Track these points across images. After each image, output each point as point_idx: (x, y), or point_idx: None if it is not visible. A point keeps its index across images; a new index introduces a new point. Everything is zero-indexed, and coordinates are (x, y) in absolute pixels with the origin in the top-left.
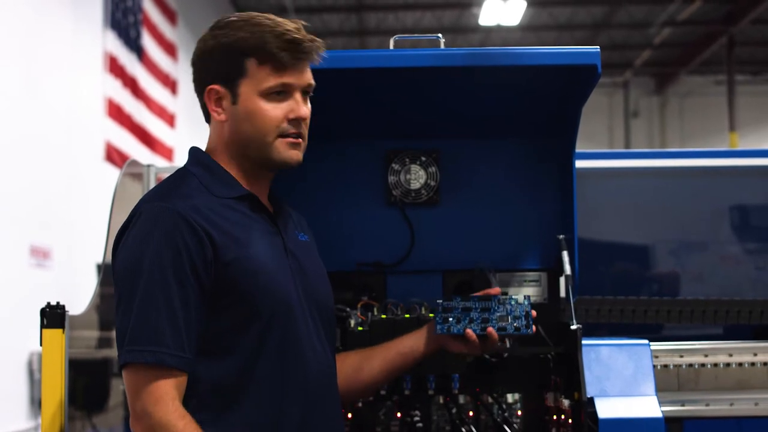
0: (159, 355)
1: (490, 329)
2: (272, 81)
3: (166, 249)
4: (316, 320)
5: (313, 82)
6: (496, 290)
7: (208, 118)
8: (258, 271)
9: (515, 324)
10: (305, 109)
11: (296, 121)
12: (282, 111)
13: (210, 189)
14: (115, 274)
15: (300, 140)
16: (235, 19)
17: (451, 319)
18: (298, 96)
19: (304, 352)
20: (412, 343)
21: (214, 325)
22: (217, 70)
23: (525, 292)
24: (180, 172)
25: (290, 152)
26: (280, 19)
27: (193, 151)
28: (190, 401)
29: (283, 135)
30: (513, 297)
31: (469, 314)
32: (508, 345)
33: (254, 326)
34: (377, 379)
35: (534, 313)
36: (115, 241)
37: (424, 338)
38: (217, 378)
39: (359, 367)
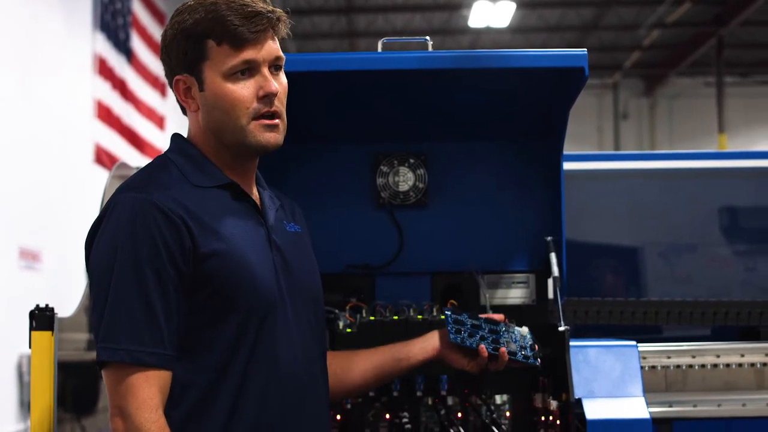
0: (136, 354)
1: (503, 350)
2: (233, 59)
3: (142, 240)
4: (301, 316)
5: (281, 54)
6: (500, 316)
7: (184, 110)
8: (237, 264)
9: (523, 353)
10: (275, 84)
11: (267, 98)
12: (250, 90)
13: (189, 178)
14: (90, 268)
15: (276, 120)
16: (191, 3)
17: (463, 332)
18: (265, 71)
19: (282, 349)
20: (409, 349)
21: (191, 320)
22: (179, 58)
23: (513, 294)
24: (159, 160)
25: (266, 135)
26: None
27: (174, 138)
28: (168, 400)
29: (256, 117)
30: (516, 328)
31: (478, 332)
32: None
33: (232, 321)
34: (368, 381)
35: (537, 346)
36: (89, 232)
37: (422, 346)
38: (193, 375)
39: (349, 367)
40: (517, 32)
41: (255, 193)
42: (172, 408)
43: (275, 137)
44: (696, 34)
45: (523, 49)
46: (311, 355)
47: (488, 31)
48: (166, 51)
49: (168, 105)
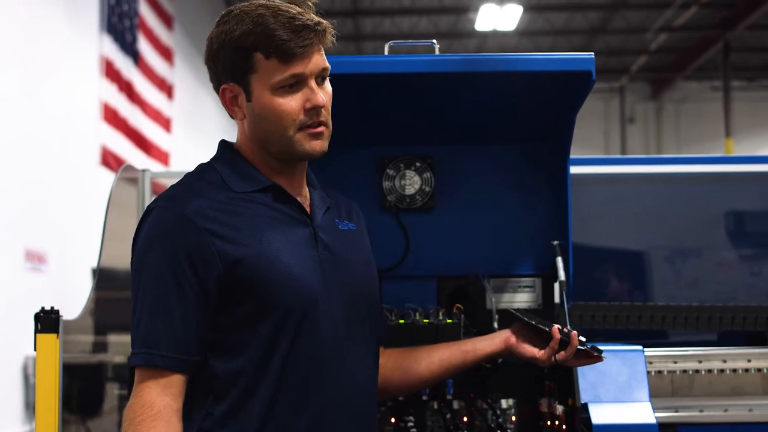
0: (149, 357)
1: (574, 333)
2: (281, 74)
3: (165, 249)
4: (351, 313)
5: (327, 65)
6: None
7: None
8: (270, 266)
9: (589, 345)
10: (321, 97)
11: (314, 111)
12: (297, 103)
13: (230, 184)
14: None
15: (321, 128)
16: (237, 12)
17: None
18: (312, 84)
19: (323, 346)
20: (475, 342)
21: (229, 320)
22: (226, 68)
23: (520, 298)
24: (203, 167)
25: (312, 143)
26: (284, 5)
27: (220, 145)
28: (207, 396)
29: (302, 127)
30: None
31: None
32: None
33: (269, 321)
34: (434, 373)
35: None
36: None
37: (490, 340)
38: (233, 372)
39: (416, 359)
40: (524, 36)
41: (305, 194)
42: (217, 404)
43: (321, 144)
44: (703, 38)
45: (531, 53)
46: (358, 352)
47: (495, 34)
48: (212, 59)
49: (174, 107)
